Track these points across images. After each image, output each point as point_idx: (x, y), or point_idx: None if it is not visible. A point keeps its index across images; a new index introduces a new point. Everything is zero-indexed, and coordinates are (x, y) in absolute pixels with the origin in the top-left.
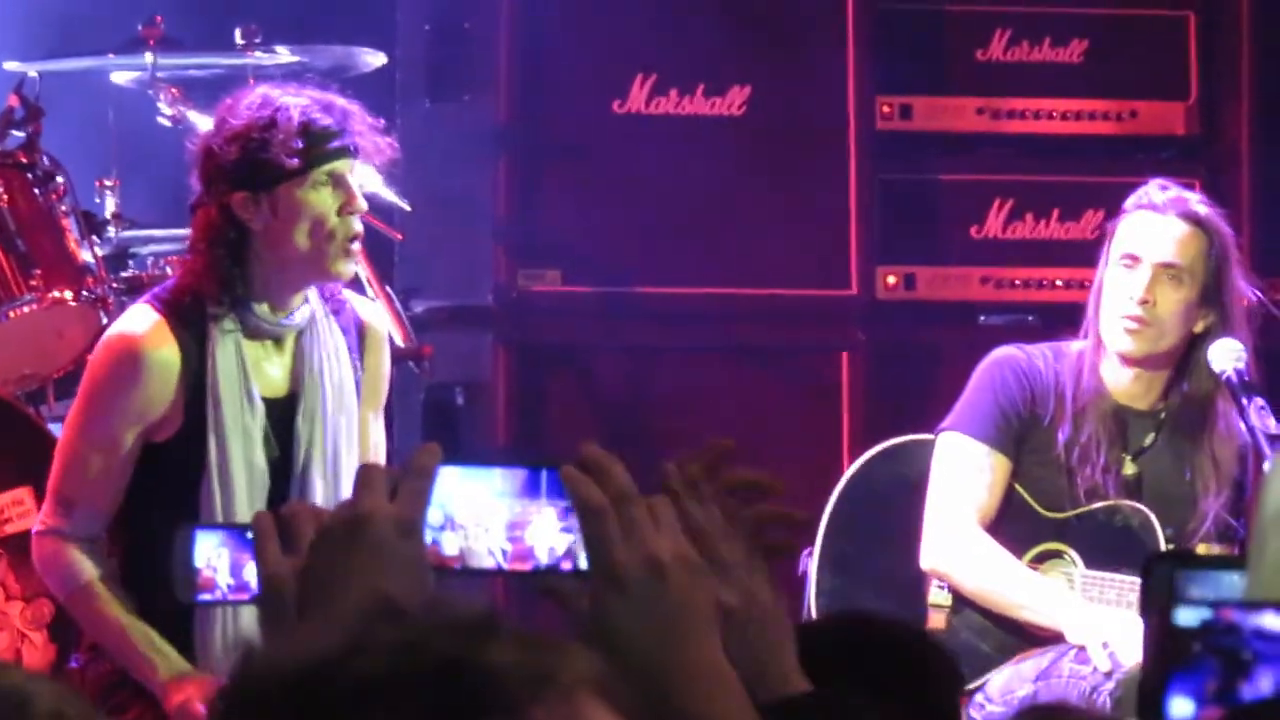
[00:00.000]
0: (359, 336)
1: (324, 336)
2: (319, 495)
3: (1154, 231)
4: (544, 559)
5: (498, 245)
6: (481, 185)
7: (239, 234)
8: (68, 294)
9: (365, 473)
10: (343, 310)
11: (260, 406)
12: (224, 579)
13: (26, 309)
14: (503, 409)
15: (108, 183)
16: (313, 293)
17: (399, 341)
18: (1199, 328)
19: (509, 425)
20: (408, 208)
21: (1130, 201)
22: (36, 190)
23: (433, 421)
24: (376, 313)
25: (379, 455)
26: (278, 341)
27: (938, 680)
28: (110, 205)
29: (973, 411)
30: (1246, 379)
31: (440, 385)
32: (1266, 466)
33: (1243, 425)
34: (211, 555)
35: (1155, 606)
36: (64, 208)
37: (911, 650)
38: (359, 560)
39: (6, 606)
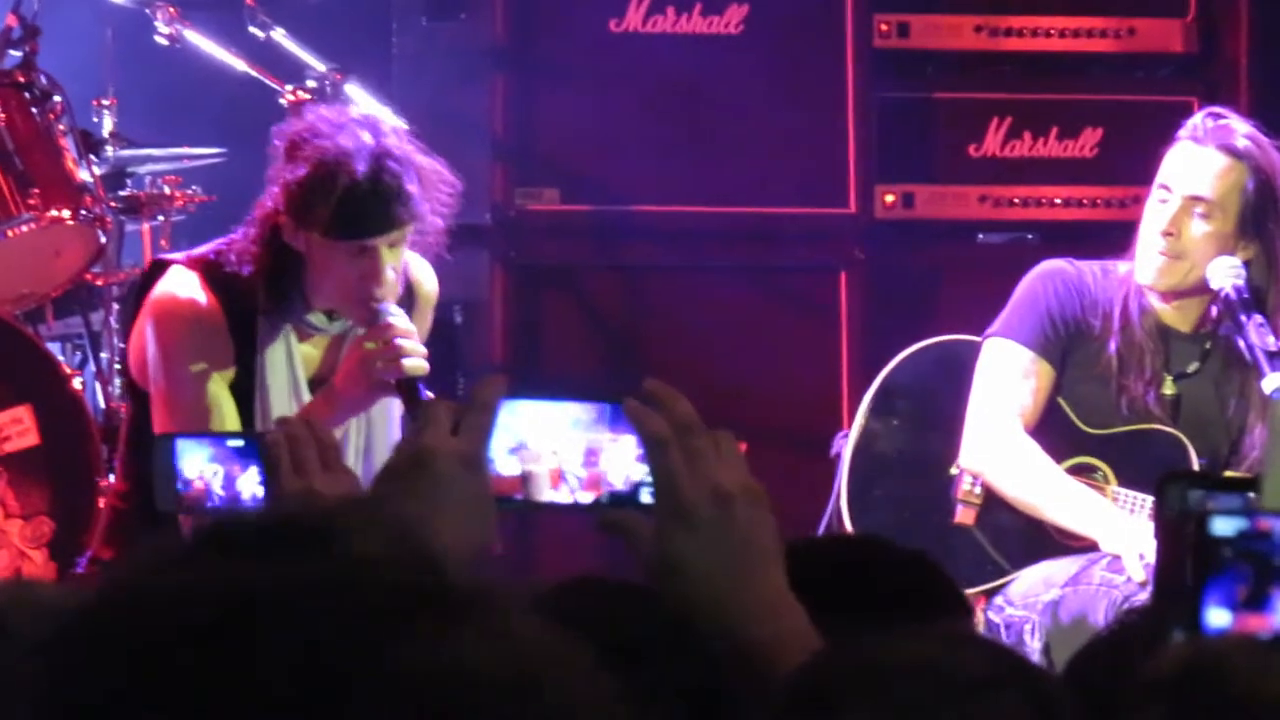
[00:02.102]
0: (408, 295)
1: None
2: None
3: (1188, 163)
4: (619, 486)
5: (495, 164)
6: (478, 104)
7: (289, 248)
8: (65, 213)
9: (428, 408)
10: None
11: (306, 399)
12: (217, 490)
13: (24, 228)
14: (500, 327)
15: (105, 102)
16: None
17: None
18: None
19: (507, 343)
20: (405, 126)
21: (1182, 131)
22: (34, 109)
23: (431, 339)
24: (428, 273)
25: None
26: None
27: (943, 606)
28: (108, 124)
29: (1021, 319)
30: (1245, 296)
31: (439, 303)
32: (1264, 384)
33: (1241, 343)
34: (204, 469)
35: (1167, 523)
36: (61, 127)
37: (916, 575)
38: (422, 496)
39: (5, 525)
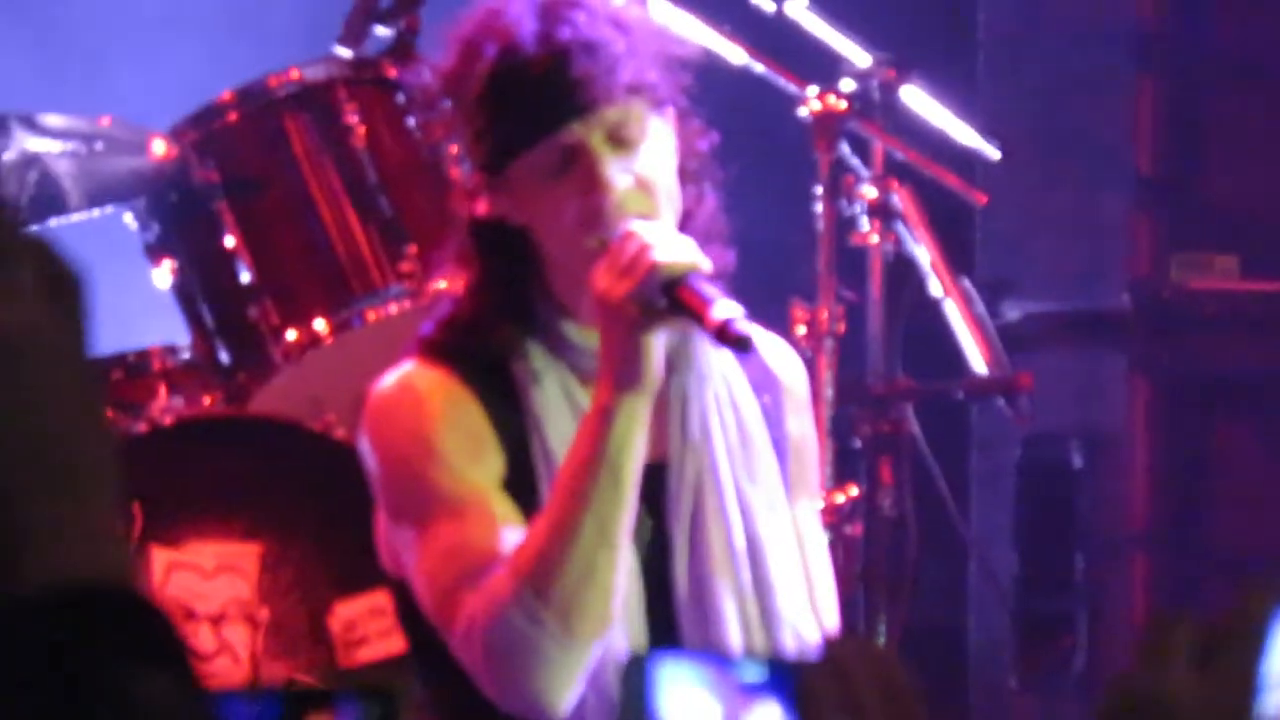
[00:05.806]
0: (775, 393)
1: (706, 369)
2: (729, 615)
3: None
4: None
5: (1137, 215)
6: (1111, 120)
7: (507, 238)
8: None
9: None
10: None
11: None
12: None
13: (393, 308)
14: (1145, 472)
15: None
16: None
17: (979, 367)
18: None
19: (1156, 497)
20: (995, 155)
21: None
22: (410, 120)
23: (1033, 492)
24: (790, 361)
25: (821, 565)
26: None
27: None
28: None
29: None
30: None
31: (1046, 436)
32: None
33: None
34: (693, 700)
35: None
36: (453, 149)
37: None
38: None
39: None
